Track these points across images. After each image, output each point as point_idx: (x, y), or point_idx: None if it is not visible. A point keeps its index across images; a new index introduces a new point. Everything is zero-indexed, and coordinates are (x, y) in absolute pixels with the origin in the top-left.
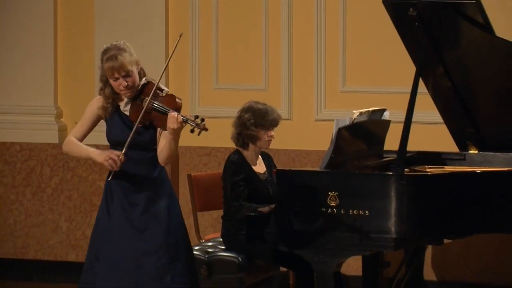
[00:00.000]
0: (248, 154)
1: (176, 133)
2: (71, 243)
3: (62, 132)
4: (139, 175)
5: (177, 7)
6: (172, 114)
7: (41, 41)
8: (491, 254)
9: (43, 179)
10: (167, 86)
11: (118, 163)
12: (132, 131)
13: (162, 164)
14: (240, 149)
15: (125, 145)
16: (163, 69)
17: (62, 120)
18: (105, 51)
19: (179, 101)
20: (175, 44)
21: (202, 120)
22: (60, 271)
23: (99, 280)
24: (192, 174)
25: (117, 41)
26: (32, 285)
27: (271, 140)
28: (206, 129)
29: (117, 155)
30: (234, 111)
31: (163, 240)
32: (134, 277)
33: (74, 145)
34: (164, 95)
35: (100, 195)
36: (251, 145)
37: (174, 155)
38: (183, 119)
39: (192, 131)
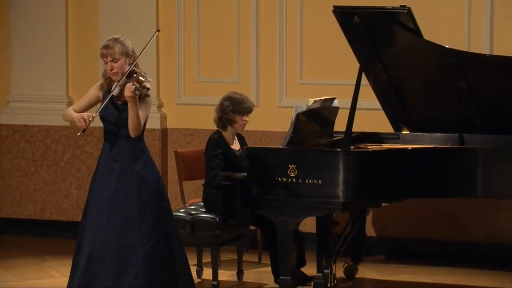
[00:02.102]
0: (226, 134)
1: (131, 101)
2: (80, 207)
3: None
4: (120, 147)
5: (166, 13)
6: (128, 85)
7: (54, 40)
8: (420, 214)
9: (57, 154)
10: (158, 80)
11: (87, 121)
12: (107, 98)
13: (132, 135)
14: (220, 130)
15: (99, 108)
16: (138, 54)
17: None
18: (106, 40)
19: (142, 78)
20: (151, 38)
21: (148, 89)
22: (71, 229)
23: (85, 232)
24: (178, 150)
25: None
26: (48, 241)
27: (245, 124)
28: (148, 95)
29: (88, 116)
30: (213, 100)
31: (133, 202)
32: (104, 231)
33: (67, 111)
34: (136, 77)
35: None
36: (229, 127)
37: (136, 124)
38: (134, 87)
39: (138, 97)
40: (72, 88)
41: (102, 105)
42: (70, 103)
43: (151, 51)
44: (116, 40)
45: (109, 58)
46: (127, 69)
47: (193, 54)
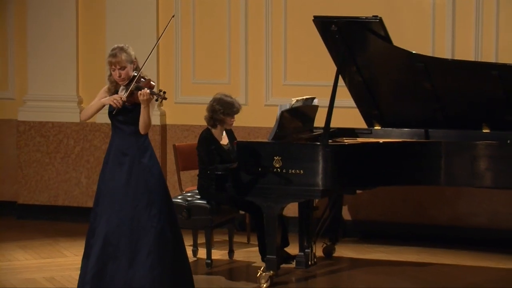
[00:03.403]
0: (215, 131)
1: (145, 103)
2: (89, 194)
3: None
4: (129, 142)
5: (165, 21)
6: (143, 90)
7: (65, 45)
8: (390, 200)
9: (68, 147)
10: (158, 81)
11: (120, 101)
12: (124, 96)
13: (142, 132)
14: (210, 127)
15: (125, 93)
16: (148, 55)
17: (82, 105)
18: (112, 49)
19: (153, 83)
20: (167, 23)
21: (164, 92)
22: (81, 214)
23: (98, 219)
24: (176, 144)
25: (123, 44)
26: (61, 224)
27: (232, 123)
28: (165, 98)
29: (119, 96)
30: (206, 99)
31: (142, 190)
32: (118, 217)
33: (88, 107)
34: (144, 81)
35: None
36: (218, 126)
37: (147, 123)
38: (150, 91)
39: (156, 100)
40: (82, 88)
41: (131, 87)
42: (80, 102)
43: (152, 57)
44: (121, 49)
45: (117, 66)
46: (132, 73)
47: (189, 59)
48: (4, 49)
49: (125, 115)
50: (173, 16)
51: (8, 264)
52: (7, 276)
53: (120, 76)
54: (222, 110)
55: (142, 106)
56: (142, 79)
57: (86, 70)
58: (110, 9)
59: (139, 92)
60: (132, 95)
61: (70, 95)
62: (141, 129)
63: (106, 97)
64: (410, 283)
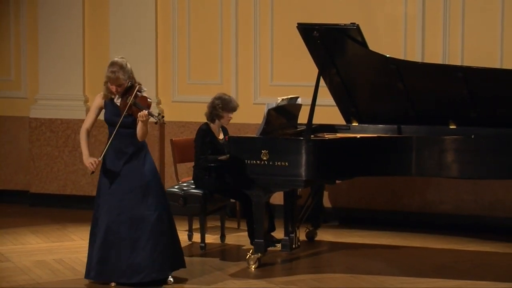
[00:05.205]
0: (213, 126)
1: (143, 123)
2: (94, 184)
3: (88, 112)
4: (127, 142)
5: (163, 28)
6: (142, 112)
7: (73, 49)
8: (366, 189)
9: (76, 142)
10: (157, 82)
11: (94, 165)
12: (121, 117)
13: (140, 140)
14: (209, 122)
15: (116, 127)
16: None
17: (88, 103)
18: (111, 64)
19: (150, 101)
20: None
21: (163, 116)
22: (87, 202)
23: (99, 210)
24: (173, 139)
25: (122, 57)
26: (69, 211)
27: (230, 119)
28: (164, 123)
29: (95, 160)
30: (201, 98)
31: (139, 183)
32: (118, 208)
33: (81, 139)
34: (140, 96)
35: None
36: (216, 121)
37: (145, 134)
38: (148, 113)
39: (156, 123)
40: (87, 88)
41: (104, 151)
42: (86, 101)
43: (152, 60)
44: (121, 68)
45: (115, 83)
46: (127, 84)
47: (185, 62)
48: (18, 53)
49: (122, 121)
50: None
51: (21, 247)
52: (20, 258)
53: (116, 91)
54: (221, 105)
55: (141, 124)
56: (138, 92)
57: (92, 71)
58: (113, 12)
59: (139, 114)
60: (130, 107)
61: (77, 95)
62: (139, 138)
63: (101, 102)
64: (384, 264)
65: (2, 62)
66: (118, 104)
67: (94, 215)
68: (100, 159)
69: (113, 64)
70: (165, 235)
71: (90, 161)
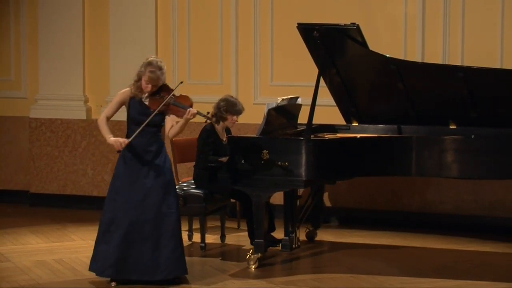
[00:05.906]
0: (218, 127)
1: (187, 120)
2: (94, 184)
3: (88, 112)
4: (151, 140)
5: (163, 28)
6: (190, 110)
7: (73, 50)
8: (366, 189)
9: (76, 142)
10: None
11: (123, 145)
12: (152, 115)
13: (170, 137)
14: (214, 123)
15: (141, 126)
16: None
17: (88, 104)
18: (149, 64)
19: (191, 101)
20: (176, 87)
21: (208, 113)
22: (87, 202)
23: (118, 207)
24: (173, 139)
25: (160, 61)
26: (69, 211)
27: (234, 122)
28: (211, 119)
29: (124, 141)
30: (201, 98)
31: (160, 182)
32: (141, 206)
33: (101, 125)
34: (180, 95)
35: (113, 154)
36: (221, 122)
37: (180, 133)
38: (197, 112)
39: (205, 121)
40: (87, 88)
41: (148, 120)
42: (86, 101)
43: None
44: (161, 69)
45: (154, 84)
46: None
47: (185, 62)
48: (18, 53)
49: (150, 120)
50: (181, 82)
51: (22, 247)
52: (20, 258)
53: (150, 90)
54: (225, 107)
55: (182, 121)
56: (172, 95)
57: (91, 71)
58: (113, 12)
59: (188, 111)
60: (168, 106)
61: (77, 95)
62: (172, 135)
63: (126, 99)
64: (384, 264)
65: (2, 62)
66: (147, 103)
67: (106, 215)
68: (129, 141)
69: (151, 64)
70: (180, 233)
71: (119, 141)
